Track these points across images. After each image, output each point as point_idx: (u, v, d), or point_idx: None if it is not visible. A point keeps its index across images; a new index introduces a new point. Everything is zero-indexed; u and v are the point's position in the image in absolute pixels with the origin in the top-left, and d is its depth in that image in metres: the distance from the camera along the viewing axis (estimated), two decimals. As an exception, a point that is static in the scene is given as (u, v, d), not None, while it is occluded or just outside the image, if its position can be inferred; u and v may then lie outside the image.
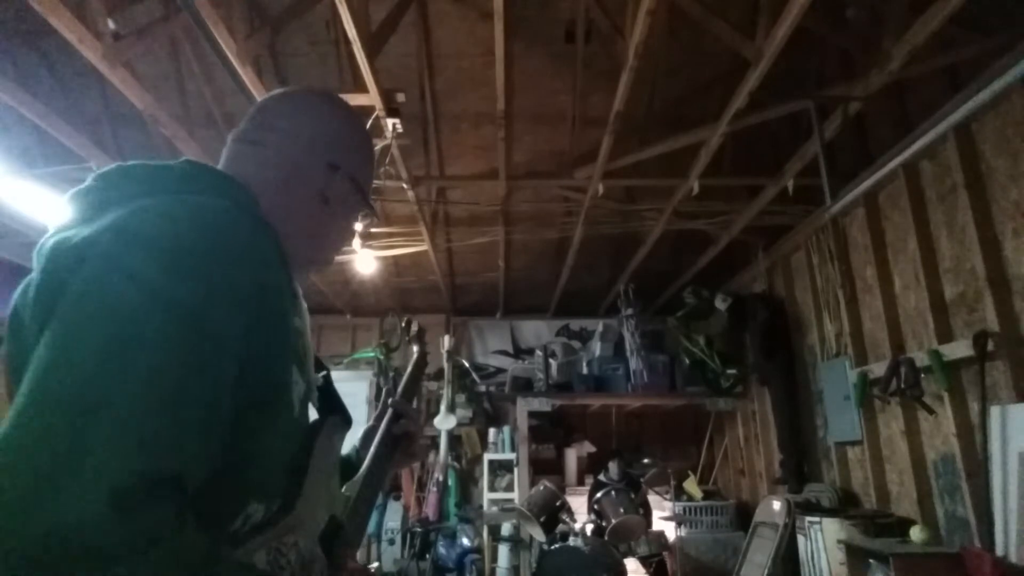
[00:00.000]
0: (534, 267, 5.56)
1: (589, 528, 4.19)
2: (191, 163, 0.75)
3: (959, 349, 2.62)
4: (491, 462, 5.48)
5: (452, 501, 5.57)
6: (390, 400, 1.10)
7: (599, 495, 4.26)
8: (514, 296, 6.11)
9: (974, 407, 2.62)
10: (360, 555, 5.39)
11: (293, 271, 0.80)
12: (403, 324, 1.34)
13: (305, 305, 0.88)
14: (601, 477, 4.57)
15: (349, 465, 1.02)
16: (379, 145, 3.02)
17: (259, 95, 2.70)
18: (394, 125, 2.90)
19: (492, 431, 5.63)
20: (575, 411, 5.87)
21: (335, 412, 0.90)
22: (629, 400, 5.55)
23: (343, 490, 0.91)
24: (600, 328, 5.96)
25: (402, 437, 1.07)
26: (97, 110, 3.74)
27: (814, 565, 3.29)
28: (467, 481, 5.82)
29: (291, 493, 0.73)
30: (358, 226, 0.98)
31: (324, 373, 0.93)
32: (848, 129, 3.13)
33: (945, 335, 2.79)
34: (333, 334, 6.30)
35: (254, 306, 0.65)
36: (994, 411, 2.47)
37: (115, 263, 0.59)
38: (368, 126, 2.64)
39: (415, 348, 1.33)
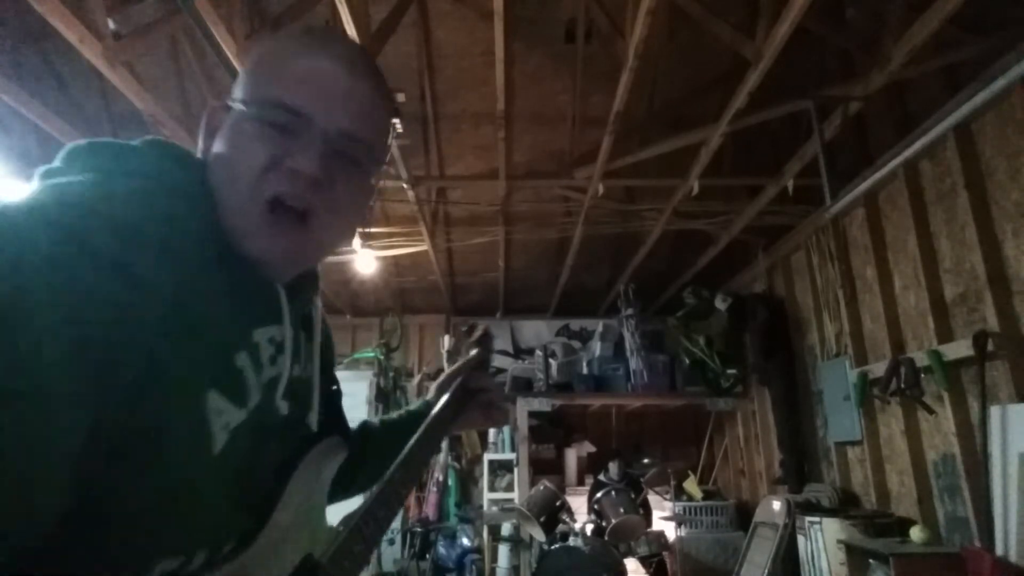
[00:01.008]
0: (534, 267, 5.56)
1: (589, 528, 4.19)
2: (149, 142, 0.63)
3: (959, 349, 2.62)
4: (491, 462, 5.48)
5: (452, 501, 5.57)
6: (473, 345, 1.01)
7: (599, 495, 4.26)
8: (514, 296, 6.11)
9: (974, 407, 2.62)
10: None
11: (269, 271, 0.65)
12: (464, 329, 1.18)
13: (303, 316, 0.74)
14: (601, 477, 4.58)
15: (414, 419, 0.94)
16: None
17: (259, 95, 2.69)
18: (394, 125, 2.90)
19: (492, 431, 5.63)
20: (575, 411, 5.87)
21: (332, 433, 0.78)
22: (629, 400, 5.55)
23: (336, 524, 0.76)
24: (600, 328, 5.96)
25: (478, 392, 0.97)
26: (97, 110, 3.74)
27: (814, 565, 3.29)
28: (467, 481, 5.83)
29: (246, 533, 0.62)
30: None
31: (334, 387, 0.83)
32: (848, 129, 3.13)
33: (945, 335, 2.79)
34: (333, 334, 6.26)
35: (151, 309, 0.51)
36: (994, 411, 2.47)
37: None
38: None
39: (473, 352, 1.13)
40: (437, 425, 0.89)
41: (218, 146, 0.65)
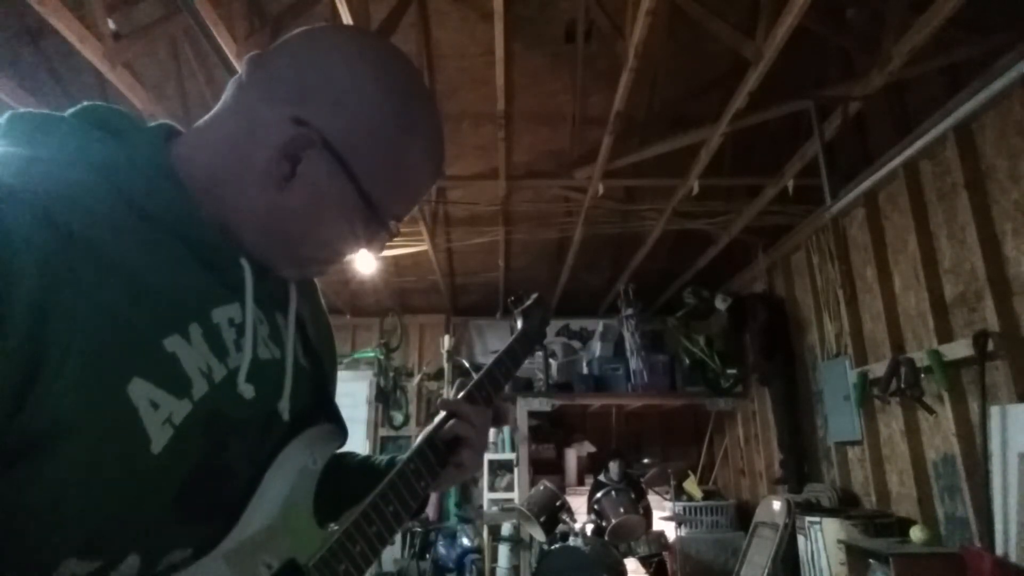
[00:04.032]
0: (534, 267, 5.56)
1: (589, 528, 4.19)
2: (79, 110, 0.60)
3: (959, 349, 2.62)
4: (491, 462, 5.48)
5: (452, 501, 5.57)
6: (439, 401, 0.86)
7: (599, 495, 4.26)
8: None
9: (974, 407, 2.62)
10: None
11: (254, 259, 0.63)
12: (512, 299, 1.03)
13: (276, 296, 0.69)
14: (601, 477, 4.58)
15: (375, 474, 0.79)
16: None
17: (259, 95, 2.69)
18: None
19: (492, 431, 5.62)
20: (575, 411, 5.87)
21: (322, 421, 0.71)
22: (629, 400, 5.54)
23: (334, 525, 0.70)
24: (600, 328, 5.96)
25: (453, 444, 0.81)
26: (97, 110, 3.74)
27: (814, 565, 3.29)
28: (467, 481, 5.82)
29: (207, 539, 0.57)
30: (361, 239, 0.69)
31: (329, 378, 0.77)
32: (848, 129, 3.13)
33: (945, 335, 2.79)
34: (334, 334, 6.30)
35: (49, 282, 0.46)
36: (994, 411, 2.47)
37: None
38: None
39: (519, 324, 0.98)
40: (393, 502, 0.73)
41: (299, 193, 0.62)
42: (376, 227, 0.66)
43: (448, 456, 0.81)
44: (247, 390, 0.60)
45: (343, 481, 0.81)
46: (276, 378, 0.66)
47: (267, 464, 0.63)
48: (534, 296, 1.05)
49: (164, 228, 0.56)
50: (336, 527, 0.68)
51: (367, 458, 0.88)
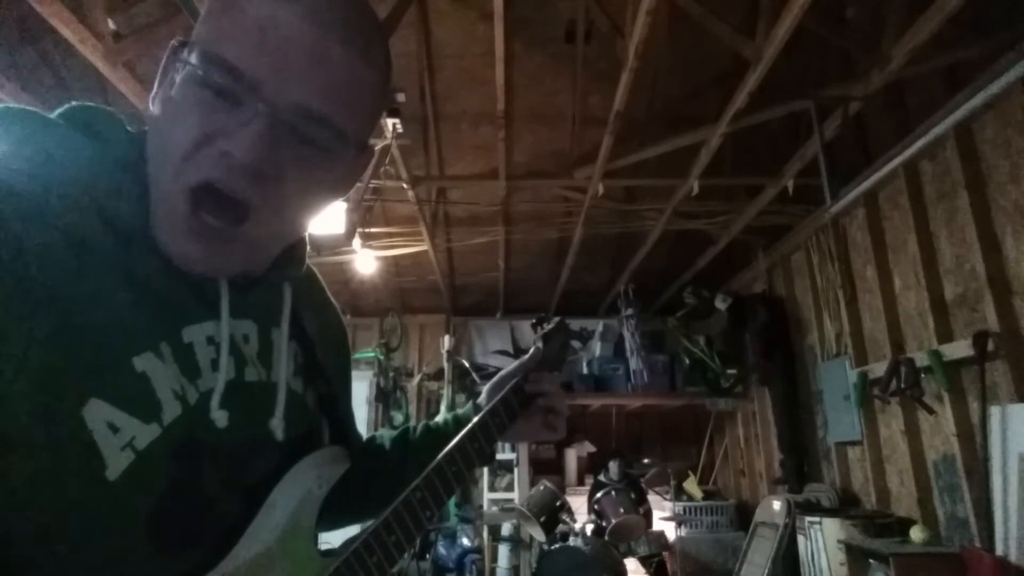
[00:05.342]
0: (534, 267, 5.56)
1: (589, 528, 4.19)
2: (67, 109, 0.57)
3: (959, 349, 2.62)
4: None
5: (452, 501, 5.56)
6: (538, 332, 0.85)
7: (599, 495, 4.26)
8: (514, 296, 6.11)
9: (974, 407, 2.62)
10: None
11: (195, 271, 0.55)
12: (534, 321, 1.00)
13: (266, 308, 0.64)
14: (601, 477, 4.58)
15: (460, 426, 0.78)
16: (379, 145, 3.02)
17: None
18: (394, 125, 2.91)
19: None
20: (575, 411, 5.86)
21: (328, 442, 0.69)
22: (629, 400, 5.55)
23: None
24: (600, 328, 5.96)
25: (536, 396, 0.82)
26: (97, 110, 3.73)
27: (814, 565, 3.29)
28: (467, 481, 5.82)
29: (195, 571, 0.53)
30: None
31: (334, 389, 0.73)
32: (848, 129, 3.12)
33: (945, 335, 2.79)
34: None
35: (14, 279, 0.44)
36: (994, 411, 2.47)
37: None
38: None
39: (539, 345, 0.95)
40: (480, 434, 0.77)
41: (157, 105, 0.54)
42: (243, 95, 0.50)
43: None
44: (220, 417, 0.55)
45: (414, 452, 0.80)
46: (265, 400, 0.61)
47: (261, 487, 0.59)
48: (556, 320, 1.00)
49: (135, 239, 0.52)
50: (337, 549, 0.64)
51: (427, 427, 0.86)
